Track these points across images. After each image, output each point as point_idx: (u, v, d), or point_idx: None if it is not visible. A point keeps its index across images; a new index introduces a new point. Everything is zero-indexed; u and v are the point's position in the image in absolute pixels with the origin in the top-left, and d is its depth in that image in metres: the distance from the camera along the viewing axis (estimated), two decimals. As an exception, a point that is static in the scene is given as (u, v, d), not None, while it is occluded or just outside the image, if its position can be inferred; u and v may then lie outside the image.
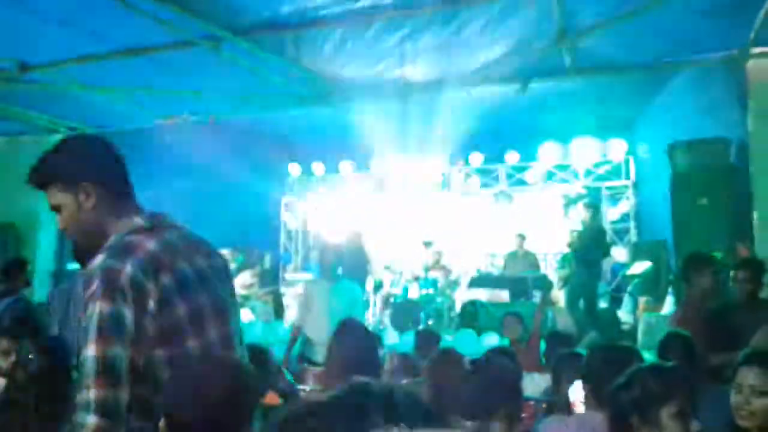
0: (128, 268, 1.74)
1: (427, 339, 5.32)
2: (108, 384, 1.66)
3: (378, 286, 10.35)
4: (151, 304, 1.74)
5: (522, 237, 10.52)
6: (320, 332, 4.89)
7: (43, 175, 1.95)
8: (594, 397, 2.53)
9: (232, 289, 2.07)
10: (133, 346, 1.70)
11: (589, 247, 7.85)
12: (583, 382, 2.63)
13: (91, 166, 1.95)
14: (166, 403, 1.62)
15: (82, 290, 1.76)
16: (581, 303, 7.89)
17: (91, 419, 1.64)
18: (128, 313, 1.71)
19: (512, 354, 4.06)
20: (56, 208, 1.93)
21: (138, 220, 1.91)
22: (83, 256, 1.95)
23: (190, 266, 1.87)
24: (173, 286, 1.79)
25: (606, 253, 8.41)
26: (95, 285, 1.72)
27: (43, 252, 8.86)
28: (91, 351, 1.67)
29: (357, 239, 8.72)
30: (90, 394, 1.65)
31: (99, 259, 1.78)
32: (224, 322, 1.91)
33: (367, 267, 9.34)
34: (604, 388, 2.30)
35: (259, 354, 2.94)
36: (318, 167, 13.43)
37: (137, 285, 1.73)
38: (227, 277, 2.06)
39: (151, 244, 1.83)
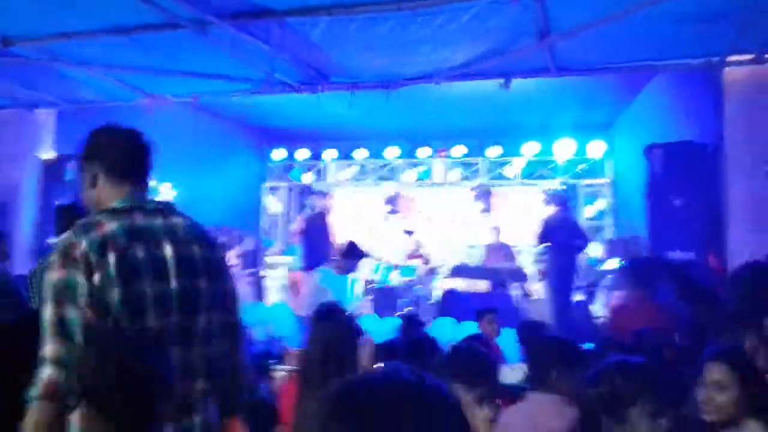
0: (83, 244, 1.92)
1: (410, 323, 5.39)
2: (60, 341, 1.82)
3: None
4: (97, 279, 1.89)
5: (497, 229, 10.62)
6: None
7: (75, 154, 2.27)
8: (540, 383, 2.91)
9: (222, 282, 2.18)
10: (91, 309, 1.86)
11: (564, 237, 7.96)
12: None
13: (100, 152, 2.19)
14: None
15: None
16: (556, 293, 8.01)
17: (46, 371, 1.80)
18: (81, 280, 1.88)
19: (486, 342, 4.13)
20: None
21: (116, 204, 2.07)
22: None
23: (147, 252, 1.99)
24: (116, 268, 1.92)
25: (582, 246, 8.50)
26: (54, 256, 1.93)
27: (26, 227, 8.79)
28: (46, 313, 1.86)
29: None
30: (46, 349, 1.83)
31: (65, 235, 1.98)
32: (179, 313, 2.00)
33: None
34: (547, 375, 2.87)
35: None
36: (301, 153, 13.42)
37: (87, 259, 1.90)
38: (216, 270, 2.16)
39: (111, 225, 1.98)
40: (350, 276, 6.43)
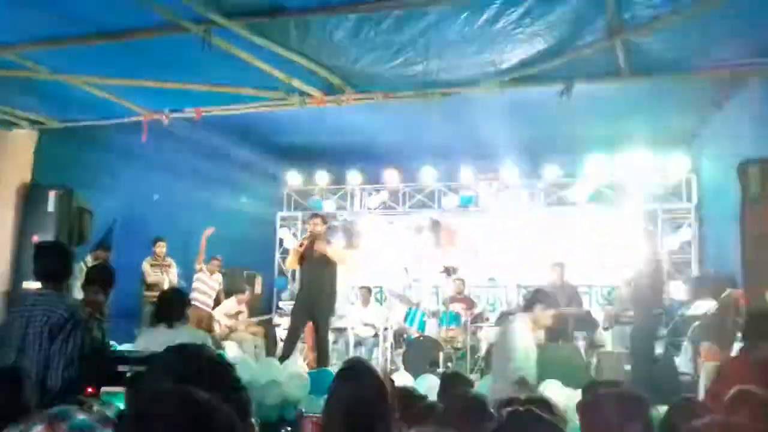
0: None
1: (455, 382, 5.28)
2: None
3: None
4: None
5: (561, 266, 10.49)
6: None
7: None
8: None
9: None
10: None
11: (648, 282, 7.87)
12: None
13: None
14: None
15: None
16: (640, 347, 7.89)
17: None
18: None
19: (551, 405, 4.03)
20: None
21: None
22: None
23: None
24: None
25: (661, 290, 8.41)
26: None
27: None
28: None
29: None
30: None
31: None
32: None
33: None
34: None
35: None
36: (321, 177, 13.50)
37: None
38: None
39: None
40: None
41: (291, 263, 9.15)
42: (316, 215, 9.35)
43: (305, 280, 9.09)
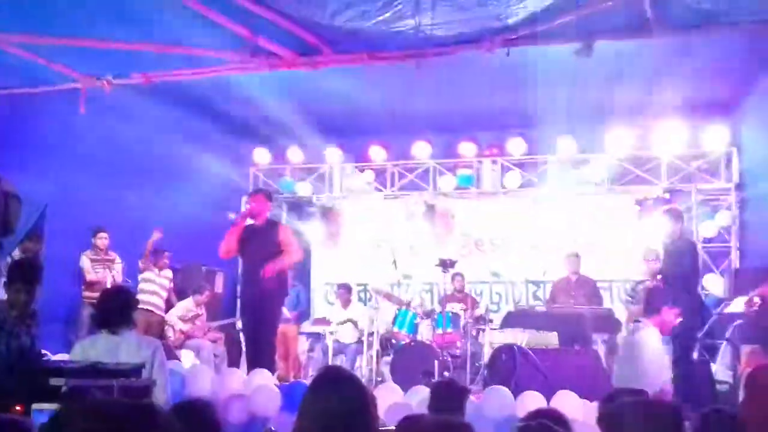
0: None
1: (451, 394, 5.28)
2: None
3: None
4: None
5: (576, 258, 10.52)
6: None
7: None
8: None
9: None
10: None
11: (683, 273, 7.91)
12: None
13: None
14: None
15: None
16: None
17: None
18: None
19: (564, 420, 4.06)
20: None
21: None
22: None
23: None
24: None
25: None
26: None
27: None
28: None
29: None
30: None
31: None
32: None
33: None
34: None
35: None
36: (294, 154, 13.48)
37: None
38: None
39: None
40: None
41: (226, 250, 8.63)
42: (257, 191, 9.19)
43: (247, 271, 8.87)
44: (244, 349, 8.98)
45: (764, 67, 9.62)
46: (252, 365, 8.25)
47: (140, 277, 10.76)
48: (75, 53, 7.83)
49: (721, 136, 11.51)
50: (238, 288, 10.55)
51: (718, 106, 11.27)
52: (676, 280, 7.98)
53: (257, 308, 8.42)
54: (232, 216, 8.61)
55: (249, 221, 8.53)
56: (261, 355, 8.40)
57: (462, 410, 5.10)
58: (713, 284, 10.90)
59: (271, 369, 8.42)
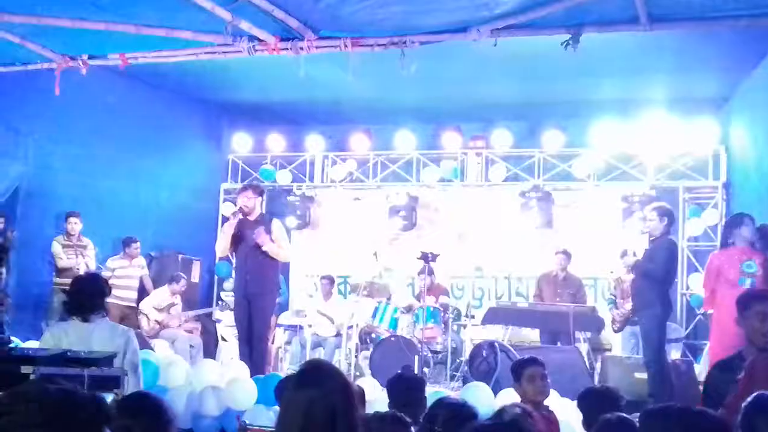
0: None
1: (408, 387, 5.28)
2: None
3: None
4: None
5: (566, 255, 10.56)
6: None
7: None
8: None
9: None
10: None
11: (654, 269, 7.94)
12: None
13: None
14: None
15: None
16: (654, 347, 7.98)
17: None
18: None
19: (530, 414, 4.11)
20: None
21: None
22: None
23: None
24: None
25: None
26: None
27: None
28: None
29: None
30: None
31: None
32: None
33: None
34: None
35: None
36: (274, 141, 13.46)
37: None
38: None
39: None
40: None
41: (221, 248, 8.97)
42: (246, 187, 9.21)
43: (240, 266, 8.94)
44: (238, 344, 8.98)
45: (754, 65, 9.68)
46: (245, 359, 8.37)
47: (109, 266, 10.69)
48: (51, 32, 7.77)
49: (710, 134, 11.57)
50: (233, 282, 10.53)
51: (707, 103, 11.34)
52: (646, 276, 8.02)
53: (250, 303, 8.55)
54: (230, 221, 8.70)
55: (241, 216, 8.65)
56: (254, 349, 8.56)
57: (422, 402, 5.10)
58: (698, 283, 10.97)
59: (264, 363, 8.57)
